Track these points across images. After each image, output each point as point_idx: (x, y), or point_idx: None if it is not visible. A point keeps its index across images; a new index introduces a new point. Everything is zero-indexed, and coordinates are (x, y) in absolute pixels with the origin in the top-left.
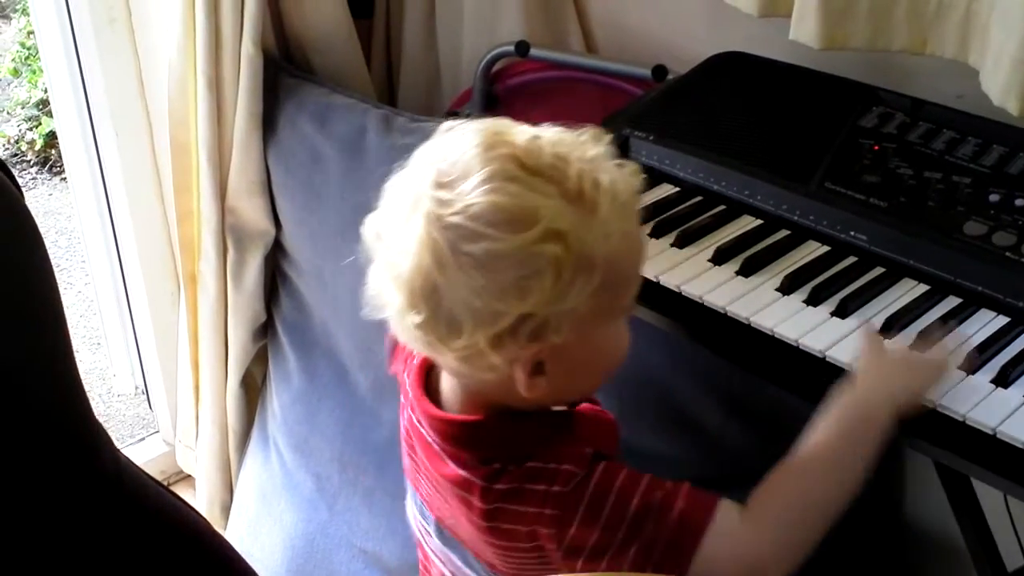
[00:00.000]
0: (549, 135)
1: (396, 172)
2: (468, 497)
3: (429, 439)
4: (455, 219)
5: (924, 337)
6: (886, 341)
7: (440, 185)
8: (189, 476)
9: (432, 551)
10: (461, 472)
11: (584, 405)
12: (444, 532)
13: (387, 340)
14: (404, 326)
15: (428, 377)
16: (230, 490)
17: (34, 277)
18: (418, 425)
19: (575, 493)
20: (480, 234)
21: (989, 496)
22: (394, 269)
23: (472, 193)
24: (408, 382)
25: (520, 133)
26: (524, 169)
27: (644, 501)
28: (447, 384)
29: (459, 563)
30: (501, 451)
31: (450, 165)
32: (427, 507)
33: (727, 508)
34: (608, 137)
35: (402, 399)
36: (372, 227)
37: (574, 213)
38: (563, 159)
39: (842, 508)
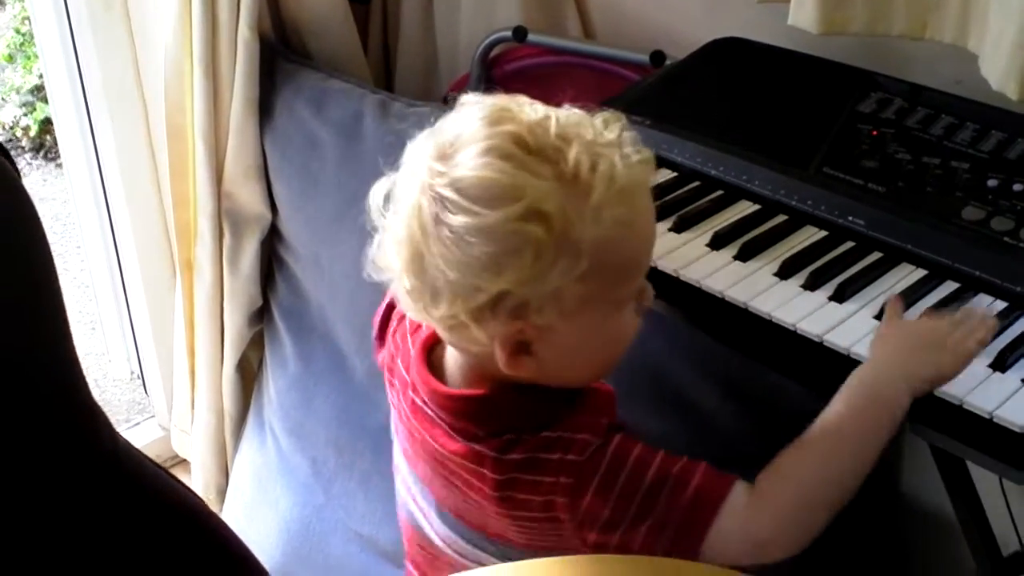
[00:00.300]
0: (562, 115)
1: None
2: (479, 470)
3: (434, 417)
4: (443, 190)
5: (952, 314)
6: (913, 317)
7: (439, 156)
8: (185, 461)
9: (436, 535)
10: (471, 445)
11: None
12: (446, 514)
13: (375, 324)
14: (401, 290)
15: (431, 355)
16: (226, 474)
17: (34, 258)
18: (421, 405)
19: (591, 462)
20: (462, 207)
21: (985, 480)
22: (395, 234)
23: (464, 166)
24: (407, 362)
25: (531, 111)
26: (522, 147)
27: (660, 474)
28: (451, 360)
29: (465, 544)
30: (511, 423)
31: (452, 137)
32: (428, 488)
33: (740, 488)
34: (624, 121)
35: (395, 383)
36: (381, 191)
37: (565, 195)
38: (567, 140)
39: (854, 487)
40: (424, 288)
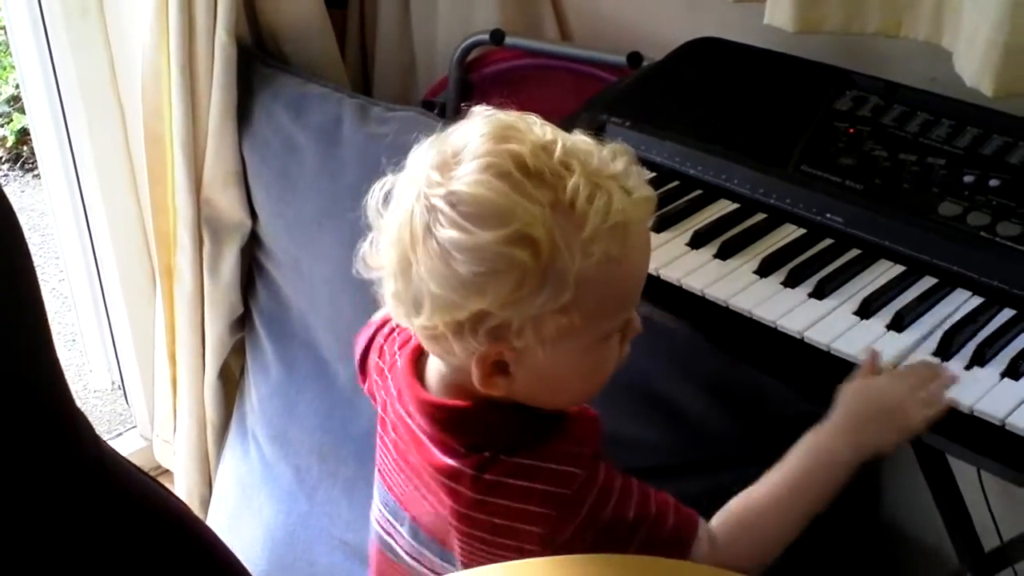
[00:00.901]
0: (569, 140)
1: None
2: (456, 487)
3: (416, 428)
4: (438, 201)
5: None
6: (882, 376)
7: (439, 166)
8: (167, 471)
9: (404, 552)
10: (449, 461)
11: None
12: (419, 531)
13: (357, 352)
14: (388, 291)
15: (417, 364)
16: (209, 484)
17: (15, 264)
18: (405, 417)
19: (577, 496)
20: (454, 222)
21: (965, 475)
22: (388, 235)
23: (462, 180)
24: (394, 373)
25: (540, 132)
26: (522, 169)
27: (640, 511)
28: (433, 371)
29: (436, 559)
30: (488, 439)
31: (455, 148)
32: (401, 506)
33: (703, 531)
34: (632, 155)
35: (380, 396)
36: (381, 190)
37: (557, 223)
38: (568, 167)
39: (797, 534)
40: (407, 294)
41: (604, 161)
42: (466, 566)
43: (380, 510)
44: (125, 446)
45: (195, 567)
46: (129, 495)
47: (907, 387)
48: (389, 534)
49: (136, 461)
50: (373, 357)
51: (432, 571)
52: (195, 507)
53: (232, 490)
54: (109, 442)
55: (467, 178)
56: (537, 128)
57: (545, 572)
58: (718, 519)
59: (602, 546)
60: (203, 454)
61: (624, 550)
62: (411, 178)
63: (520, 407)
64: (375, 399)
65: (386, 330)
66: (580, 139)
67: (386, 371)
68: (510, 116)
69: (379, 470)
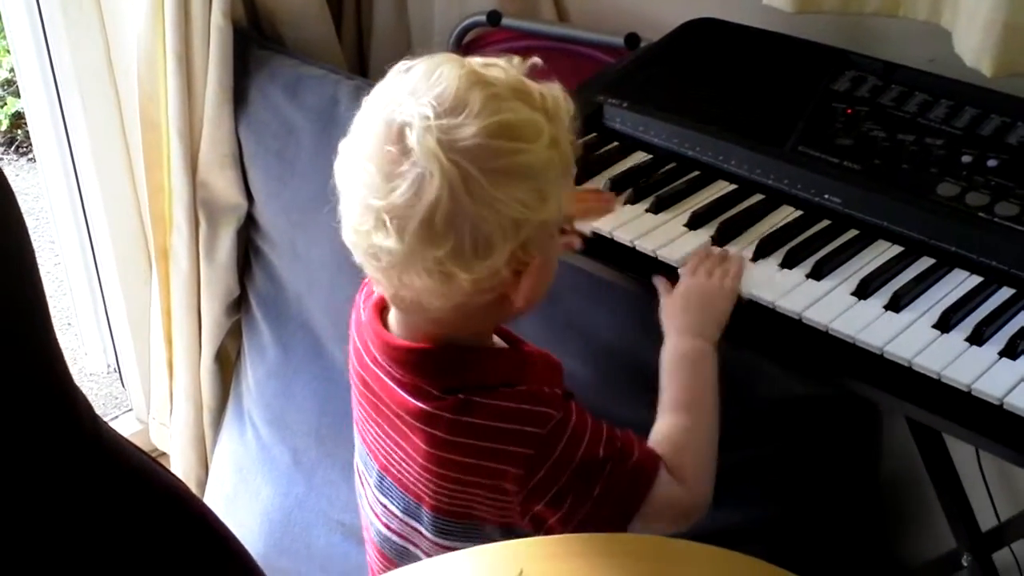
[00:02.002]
0: (495, 63)
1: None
2: (432, 431)
3: (385, 376)
4: (475, 141)
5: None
6: (678, 284)
7: (443, 114)
8: (164, 454)
9: (369, 505)
10: (424, 405)
11: (532, 346)
12: (384, 480)
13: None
14: (412, 267)
15: (381, 316)
16: (205, 466)
17: (15, 244)
18: (372, 366)
19: (553, 435)
20: (503, 149)
21: (963, 457)
22: (397, 213)
23: (479, 116)
24: (359, 327)
25: (478, 65)
26: (511, 91)
27: (609, 445)
28: (399, 323)
29: (397, 511)
30: (461, 380)
31: (438, 98)
32: (371, 456)
33: (663, 463)
34: (531, 61)
35: (350, 351)
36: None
37: (550, 124)
38: (520, 80)
39: (717, 427)
40: (463, 247)
41: (518, 68)
42: (436, 510)
43: (358, 461)
44: (121, 429)
45: (191, 541)
46: (127, 473)
47: (704, 275)
48: (363, 484)
49: None
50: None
51: (389, 528)
52: (192, 490)
53: (229, 472)
54: None
55: (484, 111)
56: (469, 61)
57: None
58: (662, 452)
59: (573, 483)
60: (200, 437)
61: (593, 487)
62: (400, 149)
63: (478, 348)
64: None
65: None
66: (488, 59)
67: (352, 328)
68: (446, 58)
69: (356, 423)
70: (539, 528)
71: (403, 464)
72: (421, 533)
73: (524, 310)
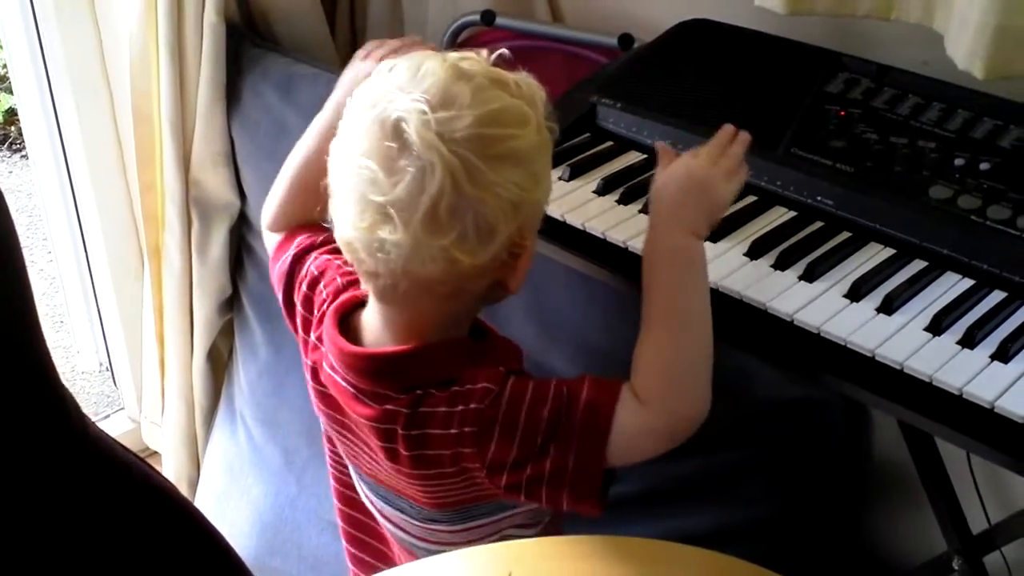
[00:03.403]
0: (466, 55)
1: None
2: (392, 429)
3: (346, 385)
4: (472, 130)
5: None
6: (681, 157)
7: (437, 107)
8: (155, 453)
9: (364, 496)
10: (380, 407)
11: (497, 334)
12: (363, 477)
13: (279, 286)
14: (417, 257)
15: (342, 324)
16: (197, 465)
17: (3, 244)
18: (333, 375)
19: (491, 408)
20: (499, 136)
21: (954, 459)
22: (400, 206)
23: (472, 107)
24: (324, 332)
25: (454, 58)
26: (488, 81)
27: (555, 401)
28: (374, 325)
29: (384, 506)
30: (420, 377)
31: (429, 92)
32: (350, 459)
33: (627, 390)
34: (499, 52)
35: (308, 359)
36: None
37: (530, 108)
38: (495, 71)
39: (709, 330)
40: (467, 234)
41: (486, 60)
42: (430, 505)
43: (335, 461)
44: (113, 428)
45: (178, 541)
46: (115, 473)
47: (708, 160)
48: (350, 486)
49: (124, 443)
50: (300, 301)
51: (386, 517)
52: (183, 489)
53: (220, 472)
54: (97, 424)
55: (475, 101)
56: (446, 55)
57: (538, 553)
58: (634, 380)
59: (527, 446)
60: (191, 436)
61: (548, 444)
62: (399, 145)
63: (454, 340)
64: (298, 335)
65: (305, 274)
66: (459, 53)
67: (312, 331)
68: (426, 55)
69: (324, 427)
70: (518, 494)
71: (374, 465)
72: (412, 520)
73: (514, 293)
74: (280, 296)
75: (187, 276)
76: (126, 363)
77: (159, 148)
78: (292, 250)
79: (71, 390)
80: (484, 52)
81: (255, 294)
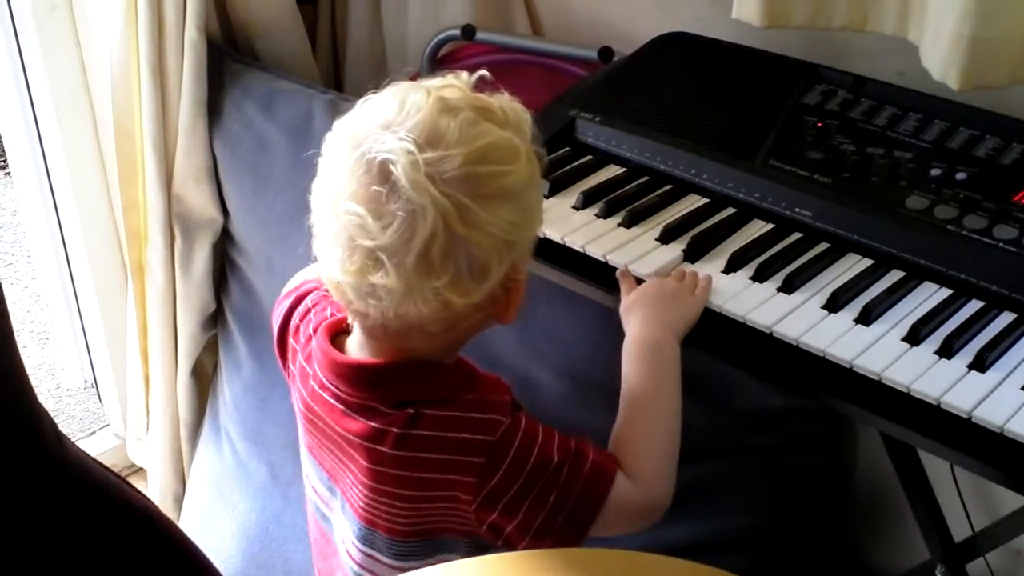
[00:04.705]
0: (448, 82)
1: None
2: (379, 448)
3: (334, 400)
4: (462, 170)
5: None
6: (640, 286)
7: (425, 146)
8: (141, 470)
9: (336, 528)
10: (370, 424)
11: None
12: (345, 507)
13: (274, 329)
14: (411, 300)
15: (335, 341)
16: (183, 482)
17: None
18: (320, 391)
19: (503, 442)
20: (491, 173)
21: (937, 467)
22: (391, 251)
23: (460, 145)
24: (307, 353)
25: (437, 88)
26: (474, 113)
27: (563, 450)
28: (358, 348)
29: (356, 541)
30: (411, 392)
31: (415, 131)
32: (333, 481)
33: (618, 465)
34: (477, 74)
35: (295, 384)
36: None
37: (519, 138)
38: (478, 98)
39: (679, 425)
40: (461, 274)
41: (468, 85)
42: (391, 532)
43: (314, 488)
44: (98, 445)
45: (159, 560)
46: (92, 492)
47: (673, 280)
48: (324, 508)
49: (110, 459)
50: (291, 335)
51: (351, 554)
52: (169, 505)
53: (206, 488)
54: (82, 440)
55: (463, 139)
56: (428, 85)
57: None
58: (621, 458)
59: (527, 489)
60: (177, 452)
61: (549, 492)
62: (388, 187)
63: (438, 364)
64: (290, 377)
65: (301, 309)
66: (440, 79)
67: (300, 353)
68: (409, 86)
69: (308, 449)
70: (497, 536)
71: (353, 490)
72: (380, 561)
73: (506, 324)
74: (275, 332)
75: (171, 292)
76: (111, 379)
77: (141, 164)
78: (297, 292)
79: (56, 408)
80: (464, 75)
81: (239, 310)
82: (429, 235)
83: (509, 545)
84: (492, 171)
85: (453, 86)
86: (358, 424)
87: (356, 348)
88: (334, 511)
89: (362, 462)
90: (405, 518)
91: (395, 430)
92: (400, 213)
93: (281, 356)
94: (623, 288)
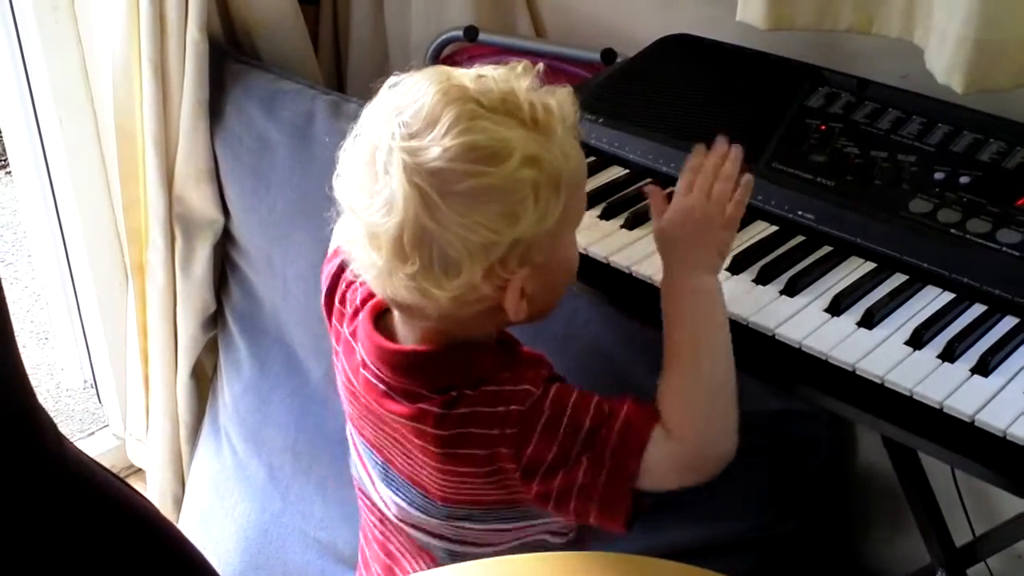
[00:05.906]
0: (491, 73)
1: (346, 140)
2: (423, 428)
3: (377, 381)
4: (436, 164)
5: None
6: (673, 202)
7: (409, 136)
8: (140, 470)
9: (380, 498)
10: (413, 405)
11: (526, 348)
12: (391, 474)
13: (324, 282)
14: (393, 281)
15: (378, 323)
16: (182, 482)
17: None
18: (362, 370)
19: (533, 410)
20: (466, 172)
21: (938, 471)
22: (373, 230)
23: (445, 137)
24: (354, 329)
25: (465, 76)
26: (483, 107)
27: (597, 411)
28: (401, 330)
29: (404, 504)
30: (454, 378)
31: (412, 117)
32: (375, 451)
33: (659, 422)
34: (526, 63)
35: (339, 349)
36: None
37: (536, 139)
38: (511, 92)
39: (731, 369)
40: (432, 266)
41: (523, 77)
42: (445, 500)
43: (357, 453)
44: (98, 445)
45: (159, 562)
46: (92, 494)
47: (701, 193)
48: (366, 479)
49: (109, 460)
50: (337, 298)
51: (402, 520)
52: (168, 506)
53: (205, 489)
54: (82, 441)
55: (449, 133)
56: (458, 72)
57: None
58: (662, 413)
59: (563, 454)
60: (176, 453)
61: (583, 454)
62: (381, 166)
63: (482, 345)
64: (336, 337)
65: (349, 275)
66: (490, 68)
67: (345, 324)
68: (432, 72)
69: (350, 418)
70: (546, 502)
71: (407, 464)
72: (433, 519)
73: (527, 318)
74: (324, 289)
75: (171, 293)
76: (111, 380)
77: (142, 165)
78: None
79: (56, 408)
80: (521, 66)
81: (239, 311)
82: (400, 221)
83: (561, 510)
84: (468, 170)
85: (488, 76)
86: (401, 407)
87: (397, 324)
88: (377, 482)
89: (411, 437)
90: (456, 489)
91: (436, 410)
92: (382, 195)
93: (328, 314)
94: (653, 207)
